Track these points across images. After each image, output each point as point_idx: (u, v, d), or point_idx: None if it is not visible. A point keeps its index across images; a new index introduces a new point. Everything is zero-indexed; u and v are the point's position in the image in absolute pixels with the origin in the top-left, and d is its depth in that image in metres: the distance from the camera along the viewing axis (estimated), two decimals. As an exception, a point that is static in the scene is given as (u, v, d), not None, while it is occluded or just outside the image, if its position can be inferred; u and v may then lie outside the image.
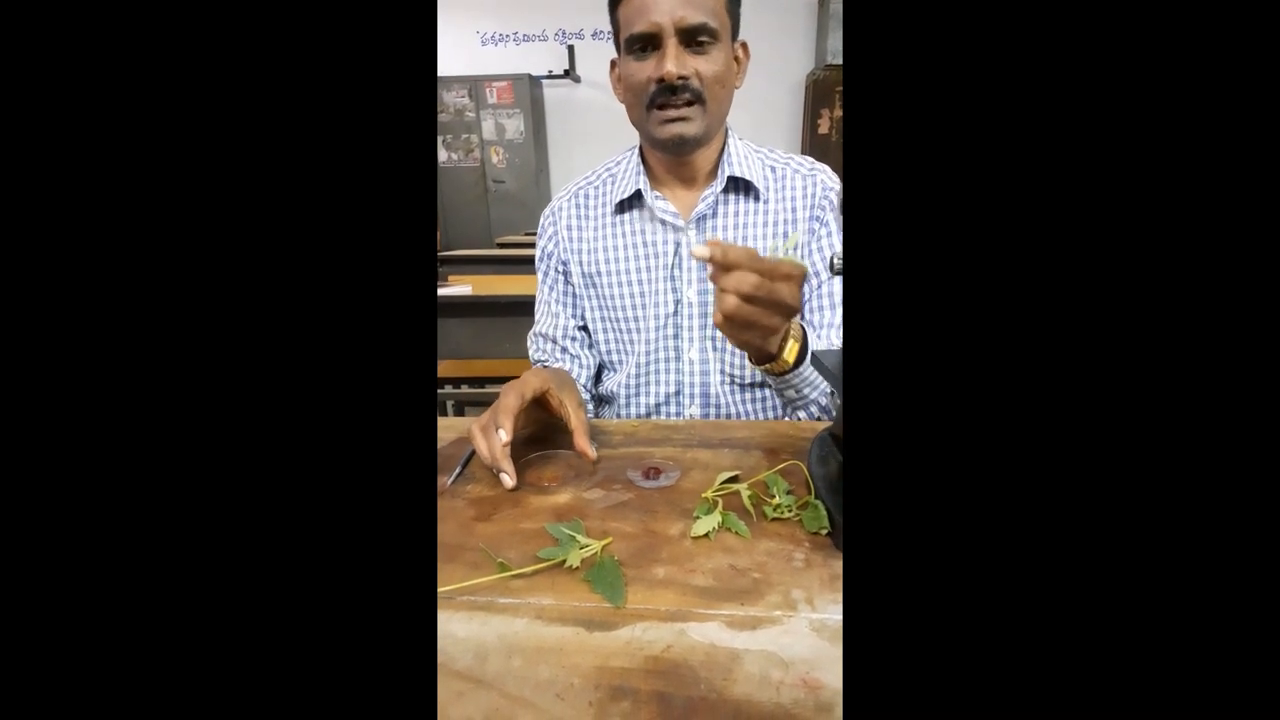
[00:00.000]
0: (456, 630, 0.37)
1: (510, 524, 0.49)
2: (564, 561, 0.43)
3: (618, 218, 0.82)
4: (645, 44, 0.70)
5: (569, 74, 4.64)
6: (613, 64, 0.77)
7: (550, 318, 0.86)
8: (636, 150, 0.82)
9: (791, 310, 0.52)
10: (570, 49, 4.62)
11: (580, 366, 0.85)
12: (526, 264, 2.49)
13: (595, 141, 4.71)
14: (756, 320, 0.51)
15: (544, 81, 4.69)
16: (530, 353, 0.88)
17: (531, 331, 0.88)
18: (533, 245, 0.93)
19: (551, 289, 0.87)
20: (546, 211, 0.87)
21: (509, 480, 0.54)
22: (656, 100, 0.71)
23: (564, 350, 0.85)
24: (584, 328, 0.87)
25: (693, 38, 0.69)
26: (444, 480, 0.56)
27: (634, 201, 0.81)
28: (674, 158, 0.77)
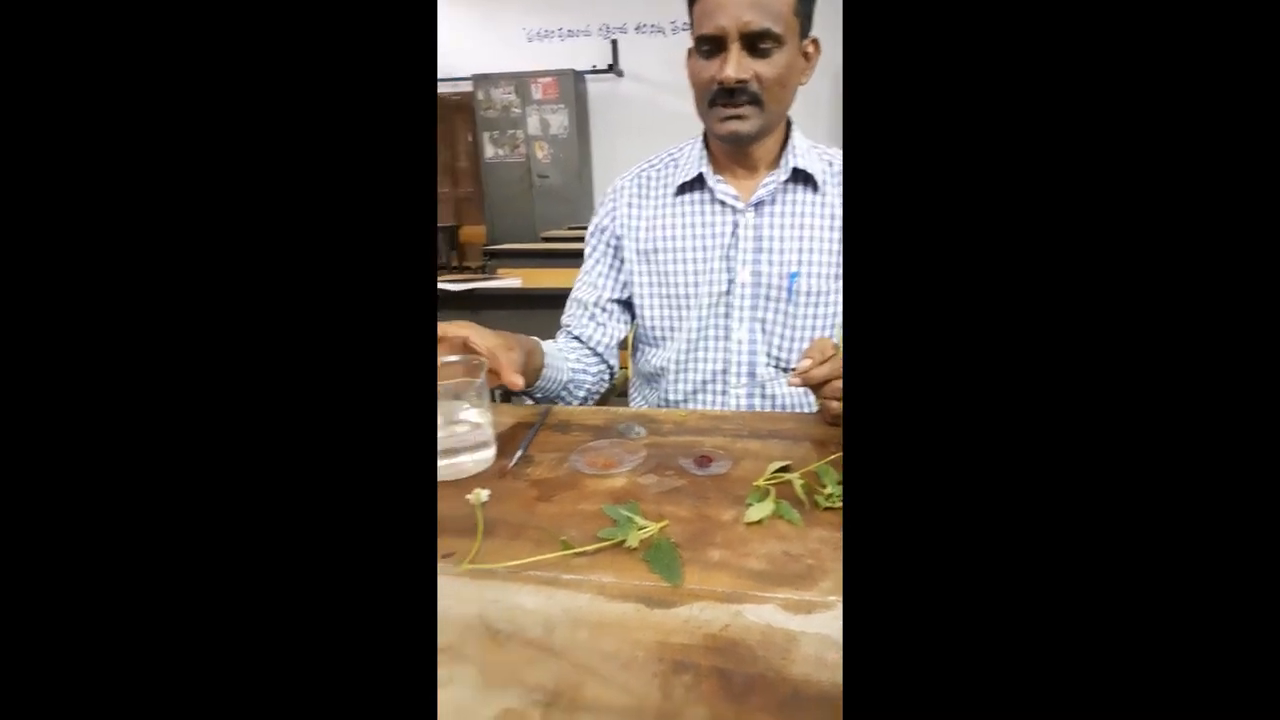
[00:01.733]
0: (525, 602, 0.39)
1: (570, 505, 0.51)
2: (623, 541, 0.44)
3: (678, 199, 0.85)
4: (711, 45, 0.73)
5: (612, 68, 4.65)
6: (689, 52, 0.79)
7: (589, 286, 0.90)
8: (700, 137, 0.86)
9: None
10: (614, 44, 4.62)
11: (605, 334, 0.90)
12: (570, 257, 2.52)
13: (638, 135, 4.70)
14: None
15: (588, 76, 4.71)
16: (563, 315, 0.93)
17: (570, 296, 0.93)
18: (577, 239, 0.97)
19: (598, 261, 0.91)
20: (609, 189, 0.91)
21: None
22: (717, 100, 0.75)
23: (592, 317, 0.90)
24: (619, 301, 0.90)
25: (756, 42, 0.71)
26: (506, 462, 0.58)
27: (695, 184, 0.84)
28: (732, 148, 0.81)
